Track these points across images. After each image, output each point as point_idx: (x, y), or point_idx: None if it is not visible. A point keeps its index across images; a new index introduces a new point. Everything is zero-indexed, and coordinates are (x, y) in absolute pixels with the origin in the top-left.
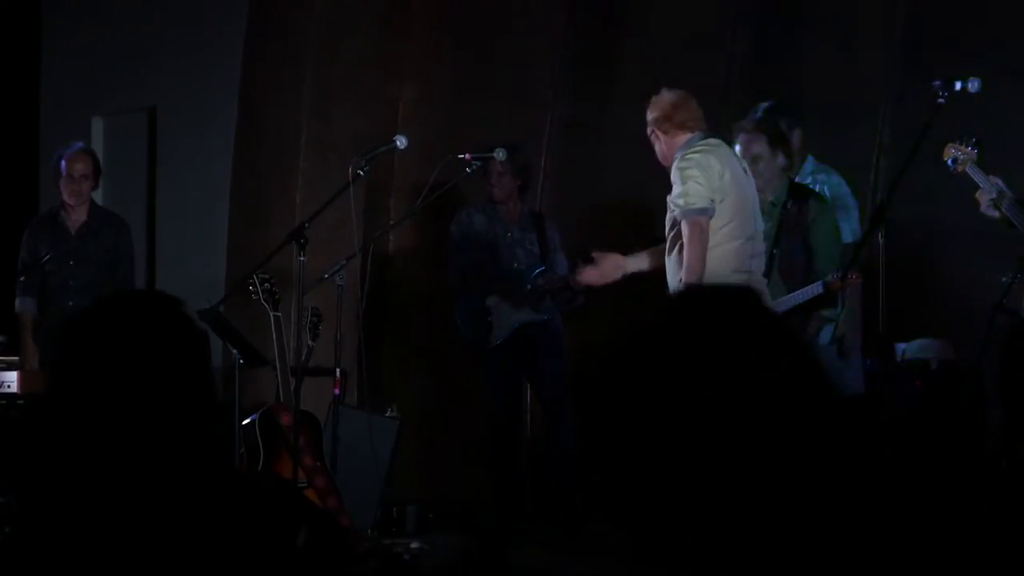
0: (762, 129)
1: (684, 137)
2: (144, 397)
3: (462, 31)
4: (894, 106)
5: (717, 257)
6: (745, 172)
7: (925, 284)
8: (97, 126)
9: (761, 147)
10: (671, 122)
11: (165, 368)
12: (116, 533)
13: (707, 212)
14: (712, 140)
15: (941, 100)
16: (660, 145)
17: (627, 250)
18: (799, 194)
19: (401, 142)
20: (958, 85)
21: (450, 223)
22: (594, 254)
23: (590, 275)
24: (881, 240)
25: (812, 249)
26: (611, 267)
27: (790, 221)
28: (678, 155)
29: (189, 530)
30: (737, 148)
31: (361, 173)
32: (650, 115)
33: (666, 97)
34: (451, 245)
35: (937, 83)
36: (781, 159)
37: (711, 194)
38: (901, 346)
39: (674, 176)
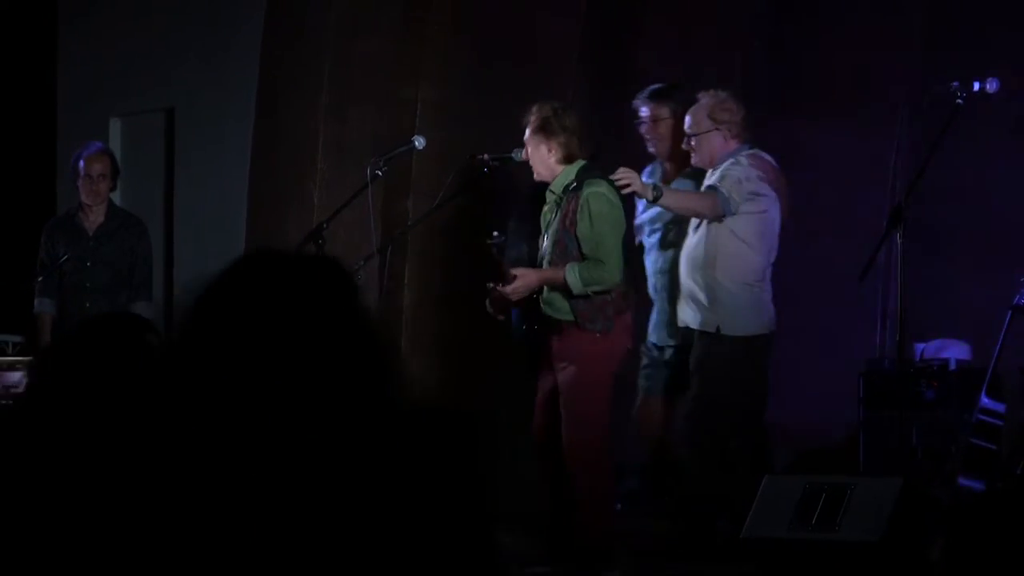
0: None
1: (735, 144)
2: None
3: (480, 31)
4: (912, 106)
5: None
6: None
7: (943, 284)
8: (115, 127)
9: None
10: (734, 127)
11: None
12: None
13: (726, 209)
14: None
15: (960, 101)
16: (710, 144)
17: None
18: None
19: (419, 142)
20: (976, 86)
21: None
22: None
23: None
24: (899, 240)
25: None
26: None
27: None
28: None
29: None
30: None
31: (379, 174)
32: (709, 113)
33: (732, 102)
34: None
35: (955, 84)
36: (553, 146)
37: (741, 201)
38: (920, 346)
39: (730, 169)
